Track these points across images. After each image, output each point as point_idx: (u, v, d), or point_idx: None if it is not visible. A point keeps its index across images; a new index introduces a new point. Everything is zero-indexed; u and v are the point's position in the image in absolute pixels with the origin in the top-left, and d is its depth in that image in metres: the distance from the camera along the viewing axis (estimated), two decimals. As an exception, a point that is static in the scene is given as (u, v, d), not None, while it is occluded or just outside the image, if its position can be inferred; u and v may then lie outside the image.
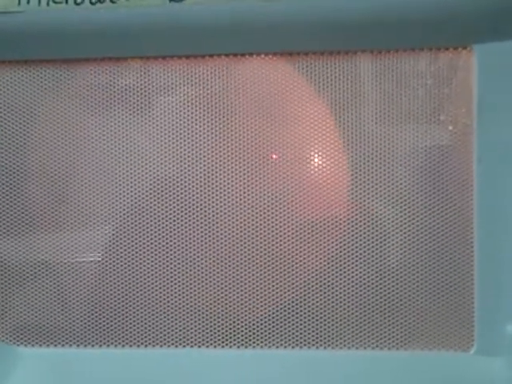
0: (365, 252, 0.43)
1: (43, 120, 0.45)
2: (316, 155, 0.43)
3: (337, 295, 0.43)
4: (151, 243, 0.44)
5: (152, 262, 0.44)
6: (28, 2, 0.42)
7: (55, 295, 0.46)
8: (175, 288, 0.44)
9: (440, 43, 0.41)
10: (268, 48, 0.43)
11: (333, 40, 0.41)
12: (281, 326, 0.44)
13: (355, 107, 0.43)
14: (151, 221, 0.44)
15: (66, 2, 0.42)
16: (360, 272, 0.43)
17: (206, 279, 0.44)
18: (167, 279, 0.44)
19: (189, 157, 0.44)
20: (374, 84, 0.42)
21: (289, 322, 0.43)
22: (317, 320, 0.43)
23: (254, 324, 0.44)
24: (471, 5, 0.39)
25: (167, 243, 0.44)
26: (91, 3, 0.42)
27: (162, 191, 0.44)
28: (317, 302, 0.43)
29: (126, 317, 0.45)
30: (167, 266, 0.44)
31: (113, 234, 0.45)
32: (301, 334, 0.43)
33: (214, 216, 0.44)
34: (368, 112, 0.42)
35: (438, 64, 0.42)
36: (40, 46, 0.44)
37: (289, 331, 0.43)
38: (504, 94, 0.39)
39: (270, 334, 0.44)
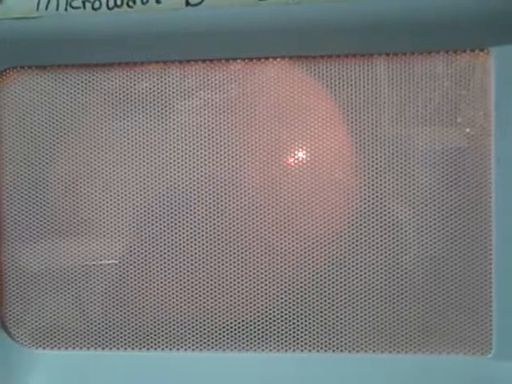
0: (382, 254, 0.42)
1: (63, 125, 0.46)
2: (333, 158, 0.43)
3: (353, 297, 0.43)
4: (167, 247, 0.45)
5: (166, 265, 0.45)
6: (46, 8, 0.43)
7: (71, 298, 0.46)
8: (188, 291, 0.44)
9: (457, 46, 0.41)
10: (285, 52, 0.43)
11: (349, 43, 0.41)
12: (294, 328, 0.44)
13: (371, 110, 0.42)
14: (169, 225, 0.44)
15: (84, 7, 0.42)
16: (377, 274, 0.43)
17: (218, 282, 0.44)
18: (180, 282, 0.45)
19: (207, 161, 0.44)
20: (391, 87, 0.42)
21: (308, 325, 0.43)
22: (333, 322, 0.43)
23: (254, 327, 0.44)
24: (487, 7, 0.38)
25: (183, 246, 0.44)
26: (108, 8, 0.42)
27: (178, 195, 0.44)
28: (332, 304, 0.43)
29: (141, 319, 0.45)
30: (180, 269, 0.44)
31: (129, 238, 0.45)
32: (312, 336, 0.43)
33: (230, 220, 0.44)
34: (384, 115, 0.42)
35: (455, 66, 0.42)
36: (58, 52, 0.44)
37: (306, 333, 0.43)
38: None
39: (275, 336, 0.44)
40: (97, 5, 0.42)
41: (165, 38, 0.43)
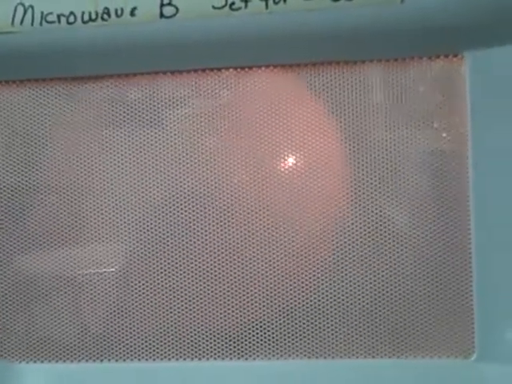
0: (363, 260, 0.43)
1: (41, 139, 0.46)
2: (309, 165, 0.43)
3: (334, 303, 0.43)
4: (155, 256, 0.45)
5: (154, 275, 0.45)
6: (21, 23, 0.43)
7: (57, 310, 0.46)
8: (177, 300, 0.45)
9: (431, 52, 0.41)
10: (260, 61, 0.43)
11: (323, 52, 0.41)
12: (280, 337, 0.44)
13: (348, 117, 0.43)
14: (158, 237, 0.45)
15: (59, 21, 0.42)
16: (358, 280, 0.43)
17: (213, 292, 0.44)
18: (169, 292, 0.45)
19: (196, 171, 0.44)
20: (366, 93, 0.42)
21: (289, 333, 0.44)
22: (314, 329, 0.43)
23: (251, 335, 0.44)
24: (461, 13, 0.38)
25: (175, 256, 0.45)
26: (83, 22, 0.42)
27: (170, 205, 0.44)
28: (313, 310, 0.43)
29: (127, 331, 0.45)
30: (171, 280, 0.45)
31: (116, 249, 0.45)
32: (297, 343, 0.44)
33: (224, 230, 0.44)
34: (361, 121, 0.42)
35: (431, 72, 0.42)
36: (34, 66, 0.44)
37: (288, 342, 0.44)
38: (496, 100, 0.39)
39: (268, 345, 0.44)
40: (71, 19, 0.42)
41: (140, 50, 0.43)
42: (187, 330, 0.45)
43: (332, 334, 0.43)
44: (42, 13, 0.42)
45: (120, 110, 0.45)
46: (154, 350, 0.45)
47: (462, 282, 0.42)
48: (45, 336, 0.46)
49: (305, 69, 0.43)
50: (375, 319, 0.43)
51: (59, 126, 0.46)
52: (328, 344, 0.43)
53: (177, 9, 0.41)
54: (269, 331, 0.44)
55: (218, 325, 0.44)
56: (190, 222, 0.44)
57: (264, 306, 0.44)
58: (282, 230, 0.43)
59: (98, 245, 0.46)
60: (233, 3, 0.40)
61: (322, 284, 0.43)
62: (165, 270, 0.45)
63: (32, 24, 0.43)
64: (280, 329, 0.44)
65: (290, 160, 0.44)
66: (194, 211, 0.44)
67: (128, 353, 0.45)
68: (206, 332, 0.44)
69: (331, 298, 0.43)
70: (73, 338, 0.46)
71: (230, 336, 0.44)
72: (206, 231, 0.44)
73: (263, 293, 0.44)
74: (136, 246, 0.45)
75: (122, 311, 0.45)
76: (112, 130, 0.45)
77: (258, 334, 0.44)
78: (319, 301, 0.43)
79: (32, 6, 0.42)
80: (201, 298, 0.44)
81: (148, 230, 0.45)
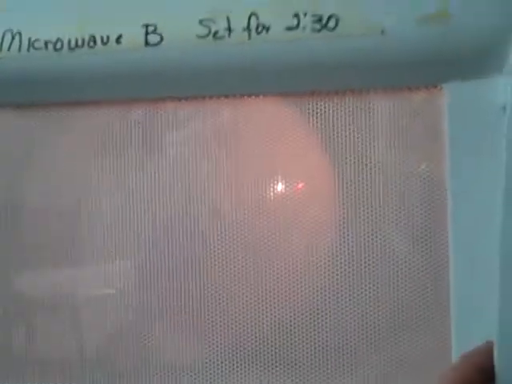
0: (339, 291, 0.43)
1: (22, 163, 0.46)
2: (295, 192, 0.44)
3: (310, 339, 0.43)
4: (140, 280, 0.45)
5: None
6: (9, 49, 0.43)
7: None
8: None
9: (411, 83, 0.42)
10: (247, 90, 0.44)
11: (304, 82, 0.42)
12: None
13: (330, 146, 0.43)
14: (153, 260, 0.45)
15: (46, 48, 0.43)
16: (335, 311, 0.43)
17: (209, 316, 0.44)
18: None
19: (187, 198, 0.44)
20: (347, 123, 0.43)
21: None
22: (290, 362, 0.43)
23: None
24: (440, 46, 0.39)
25: (166, 280, 0.45)
26: (70, 49, 0.43)
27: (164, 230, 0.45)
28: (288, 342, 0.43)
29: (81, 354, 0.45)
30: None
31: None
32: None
33: (222, 254, 0.44)
34: (340, 151, 0.43)
35: (411, 103, 0.42)
36: (21, 92, 0.45)
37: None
38: (474, 131, 0.40)
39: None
40: (58, 46, 0.43)
41: (126, 77, 0.43)
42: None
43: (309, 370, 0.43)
44: (30, 39, 0.43)
45: (104, 135, 0.46)
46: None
47: (439, 313, 0.42)
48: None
49: (287, 98, 0.43)
50: (349, 354, 0.43)
51: (42, 150, 0.46)
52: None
53: (161, 37, 0.42)
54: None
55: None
56: (196, 247, 0.44)
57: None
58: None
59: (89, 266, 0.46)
60: (216, 32, 0.41)
61: (305, 317, 0.43)
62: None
63: (19, 50, 0.43)
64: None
65: (266, 190, 0.44)
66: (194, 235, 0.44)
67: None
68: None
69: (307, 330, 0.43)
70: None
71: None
72: (213, 258, 0.44)
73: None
74: (132, 272, 0.45)
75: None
76: (94, 156, 0.46)
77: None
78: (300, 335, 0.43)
79: (20, 33, 0.43)
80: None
81: (146, 258, 0.45)
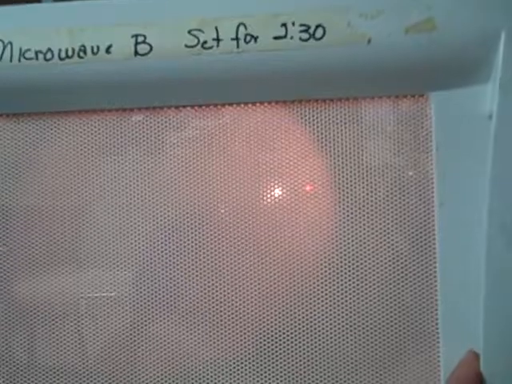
0: (328, 304, 0.43)
1: (16, 175, 0.47)
2: (283, 202, 0.44)
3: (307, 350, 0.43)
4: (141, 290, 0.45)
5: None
6: (0, 59, 0.44)
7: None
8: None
9: (397, 91, 0.42)
10: (236, 99, 0.44)
11: (296, 89, 0.42)
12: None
13: (316, 154, 0.43)
14: (154, 269, 0.45)
15: (37, 58, 0.43)
16: (320, 326, 0.43)
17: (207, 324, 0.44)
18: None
19: (174, 208, 0.45)
20: (335, 131, 0.43)
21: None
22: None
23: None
24: (425, 55, 0.40)
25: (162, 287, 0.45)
26: (60, 59, 0.43)
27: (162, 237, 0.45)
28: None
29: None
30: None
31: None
32: None
33: (222, 261, 0.44)
34: (330, 158, 0.43)
35: (398, 111, 0.42)
36: (12, 101, 0.45)
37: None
38: (460, 140, 0.40)
39: None
40: (49, 56, 0.43)
41: (115, 87, 0.44)
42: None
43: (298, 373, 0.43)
44: (21, 49, 0.44)
45: (94, 144, 0.46)
46: None
47: (427, 324, 0.42)
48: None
49: (275, 107, 0.44)
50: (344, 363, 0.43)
51: (33, 160, 0.46)
52: None
53: (151, 47, 0.42)
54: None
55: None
56: (198, 254, 0.44)
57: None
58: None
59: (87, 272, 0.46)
60: (205, 42, 0.41)
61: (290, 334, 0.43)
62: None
63: (11, 60, 0.44)
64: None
65: (254, 197, 0.44)
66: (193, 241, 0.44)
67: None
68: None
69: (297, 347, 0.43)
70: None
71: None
72: (214, 265, 0.44)
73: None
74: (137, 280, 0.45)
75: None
76: (84, 165, 0.46)
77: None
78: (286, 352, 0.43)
79: (11, 43, 0.44)
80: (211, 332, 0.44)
81: (146, 267, 0.45)
